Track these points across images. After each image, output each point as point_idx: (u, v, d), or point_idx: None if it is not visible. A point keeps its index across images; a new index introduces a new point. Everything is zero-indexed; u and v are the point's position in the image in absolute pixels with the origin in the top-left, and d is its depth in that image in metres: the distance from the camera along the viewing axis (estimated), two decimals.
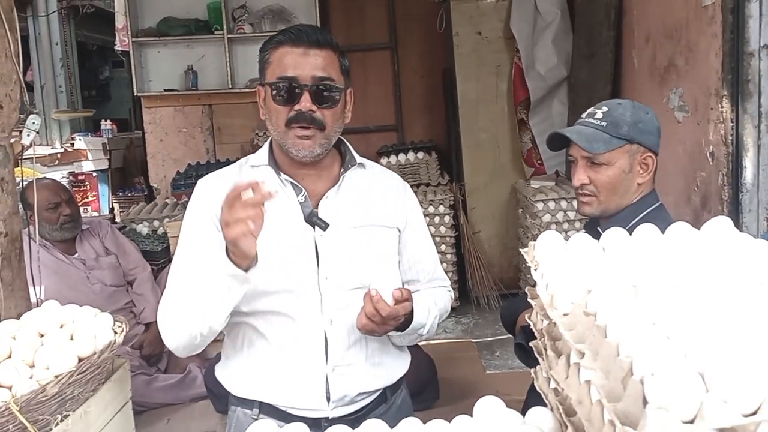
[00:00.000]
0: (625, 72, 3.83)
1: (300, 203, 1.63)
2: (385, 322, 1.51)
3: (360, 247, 1.64)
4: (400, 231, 1.74)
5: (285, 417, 1.60)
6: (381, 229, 1.69)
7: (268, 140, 1.72)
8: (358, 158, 1.72)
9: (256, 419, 1.62)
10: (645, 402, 0.75)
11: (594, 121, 1.79)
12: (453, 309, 4.83)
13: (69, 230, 3.43)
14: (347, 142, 1.75)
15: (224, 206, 1.37)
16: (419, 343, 3.49)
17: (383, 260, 1.69)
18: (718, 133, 2.60)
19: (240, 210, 1.34)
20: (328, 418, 1.61)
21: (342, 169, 1.69)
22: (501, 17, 4.87)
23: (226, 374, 1.70)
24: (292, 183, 1.65)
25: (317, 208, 1.64)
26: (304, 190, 1.64)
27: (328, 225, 1.60)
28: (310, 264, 1.60)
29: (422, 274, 1.79)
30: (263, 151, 1.70)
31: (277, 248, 1.57)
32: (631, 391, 0.77)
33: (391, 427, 1.19)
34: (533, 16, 4.75)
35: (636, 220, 1.71)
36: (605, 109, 1.80)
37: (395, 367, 1.74)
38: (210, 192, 1.65)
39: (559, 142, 1.86)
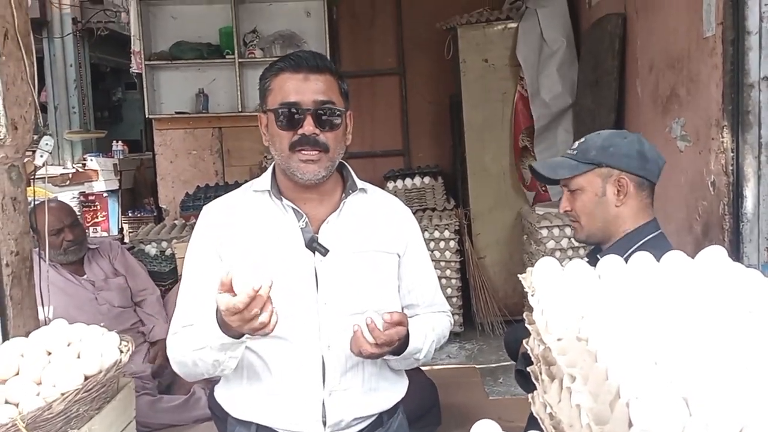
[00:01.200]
0: (629, 100, 3.87)
1: (301, 228, 1.65)
2: (380, 347, 1.52)
3: (359, 273, 1.66)
4: (399, 256, 1.75)
5: None
6: (381, 254, 1.71)
7: (272, 165, 1.76)
8: (360, 183, 1.74)
9: None
10: (630, 425, 0.77)
11: (569, 152, 1.88)
12: (457, 334, 4.90)
13: (73, 253, 3.46)
14: (349, 167, 1.78)
15: (240, 304, 1.33)
16: (422, 368, 3.50)
17: (382, 286, 1.70)
18: (719, 162, 2.63)
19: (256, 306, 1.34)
20: None
21: (343, 194, 1.71)
22: (507, 45, 4.93)
23: (225, 395, 1.73)
24: (293, 208, 1.67)
25: (317, 234, 1.66)
26: (305, 216, 1.66)
27: (328, 251, 1.63)
28: (309, 289, 1.63)
29: (421, 299, 1.80)
30: (266, 176, 1.73)
31: (277, 273, 1.55)
32: (618, 414, 0.80)
33: None
34: (539, 44, 4.81)
35: (634, 247, 1.73)
36: (582, 140, 1.88)
37: (392, 392, 1.75)
38: (214, 218, 1.70)
39: (540, 174, 1.94)
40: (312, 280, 1.63)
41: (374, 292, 1.67)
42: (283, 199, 1.67)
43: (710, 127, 2.70)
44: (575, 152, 1.85)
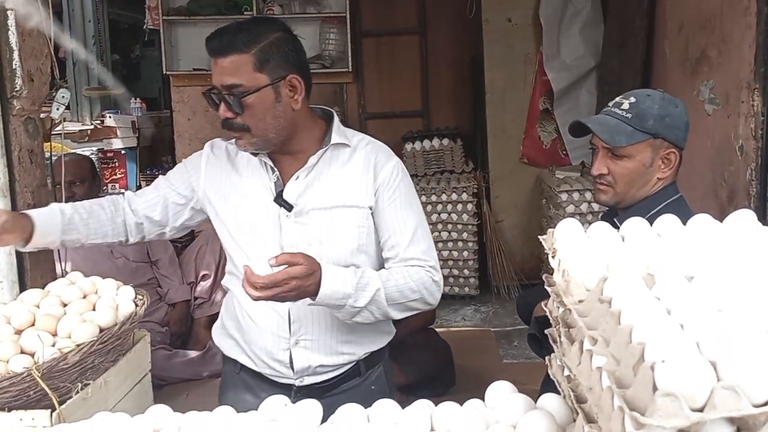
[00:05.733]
0: (657, 62, 3.77)
1: (274, 184, 1.71)
2: (266, 289, 1.47)
3: (323, 229, 1.69)
4: (371, 208, 1.72)
5: (260, 379, 1.77)
6: (348, 209, 1.70)
7: None
8: (339, 138, 1.72)
9: (238, 374, 1.81)
10: (655, 388, 0.75)
11: (620, 112, 1.75)
12: (472, 297, 4.90)
13: None
14: (336, 120, 1.76)
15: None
16: (437, 329, 3.52)
17: (347, 242, 1.70)
18: (748, 126, 2.56)
19: None
20: (294, 385, 1.73)
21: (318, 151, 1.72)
22: (531, 4, 4.82)
23: (218, 334, 1.87)
24: (267, 164, 1.72)
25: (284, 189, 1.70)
26: (277, 172, 1.72)
27: (292, 207, 1.68)
28: (275, 243, 1.69)
29: (392, 251, 1.73)
30: None
31: (249, 225, 1.70)
32: (642, 377, 0.77)
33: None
34: (563, 4, 4.71)
35: (654, 211, 1.69)
36: (633, 99, 1.76)
37: (367, 343, 1.79)
38: (210, 157, 1.82)
39: (581, 129, 1.84)
40: (278, 234, 1.69)
41: (337, 248, 1.68)
42: (260, 154, 1.72)
43: (740, 89, 2.62)
44: (629, 116, 1.73)
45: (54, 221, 1.69)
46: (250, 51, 1.59)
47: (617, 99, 1.81)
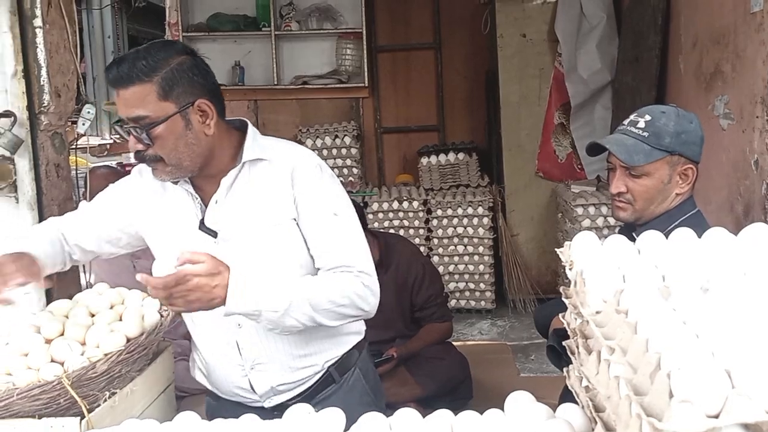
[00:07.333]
0: (671, 77, 3.79)
1: (199, 210, 1.65)
2: (164, 290, 1.42)
3: (253, 251, 1.61)
4: (295, 220, 1.63)
5: (233, 404, 1.73)
6: (273, 227, 1.62)
7: None
8: (253, 153, 1.63)
9: (216, 402, 1.79)
10: (671, 396, 0.77)
11: (636, 131, 1.78)
12: (489, 311, 4.91)
13: None
14: (250, 135, 1.66)
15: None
16: (453, 343, 3.53)
17: (281, 258, 1.62)
18: (762, 141, 2.57)
19: None
20: (263, 407, 1.69)
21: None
22: (546, 19, 4.86)
23: (192, 366, 1.85)
24: (187, 191, 1.65)
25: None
26: (198, 198, 1.64)
27: (216, 233, 1.62)
28: None
29: (320, 260, 1.63)
30: None
31: (179, 253, 1.48)
32: (658, 385, 0.80)
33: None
34: (578, 19, 4.73)
35: (673, 225, 1.71)
36: (648, 117, 1.78)
37: (327, 351, 1.73)
38: (139, 188, 1.74)
39: (597, 148, 1.87)
40: None
41: (272, 268, 1.60)
42: (180, 181, 1.64)
43: (755, 104, 2.63)
44: (646, 134, 1.75)
45: (54, 250, 1.68)
46: (152, 79, 1.50)
47: (632, 117, 1.83)
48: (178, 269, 1.41)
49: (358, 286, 1.59)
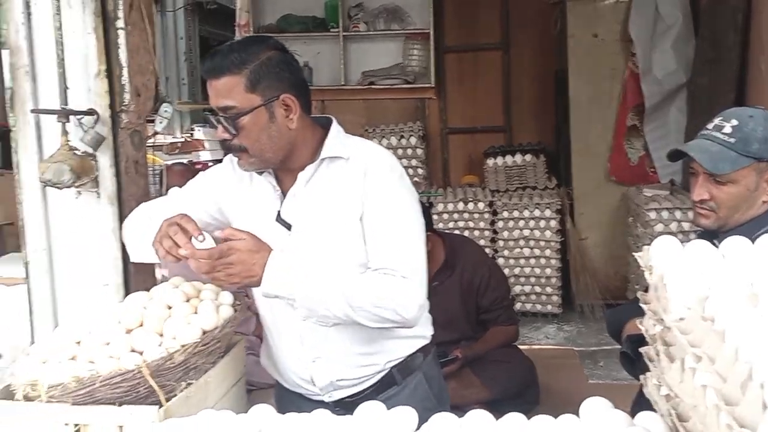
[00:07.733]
0: (751, 78, 3.65)
1: (278, 201, 1.70)
2: (217, 259, 1.48)
3: (323, 246, 1.64)
4: (361, 218, 1.65)
5: (297, 396, 1.78)
6: (341, 224, 1.65)
7: None
8: (332, 151, 1.66)
9: (283, 393, 1.83)
10: (765, 407, 0.74)
11: (721, 136, 1.71)
12: (555, 315, 4.84)
13: None
14: (335, 131, 1.70)
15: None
16: (520, 347, 3.49)
17: (341, 255, 1.64)
18: None
19: None
20: (324, 401, 1.71)
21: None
22: (619, 19, 4.76)
23: (263, 356, 1.89)
24: (270, 183, 1.70)
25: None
26: (279, 191, 1.70)
27: (291, 225, 1.67)
28: None
29: (370, 260, 1.63)
30: None
31: None
32: (751, 396, 0.77)
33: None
34: (653, 19, 4.62)
35: (759, 233, 1.64)
36: (735, 122, 1.71)
37: (390, 351, 1.73)
38: (229, 175, 1.79)
39: (679, 154, 1.81)
40: None
41: (340, 263, 1.62)
42: (265, 173, 1.70)
43: None
44: (733, 140, 1.69)
45: None
46: (242, 72, 1.57)
47: (716, 121, 1.75)
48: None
49: (396, 292, 1.56)
